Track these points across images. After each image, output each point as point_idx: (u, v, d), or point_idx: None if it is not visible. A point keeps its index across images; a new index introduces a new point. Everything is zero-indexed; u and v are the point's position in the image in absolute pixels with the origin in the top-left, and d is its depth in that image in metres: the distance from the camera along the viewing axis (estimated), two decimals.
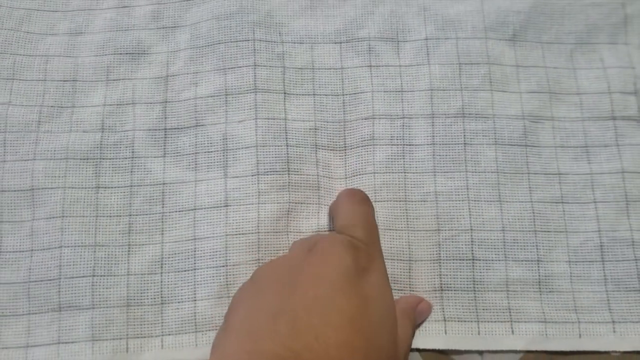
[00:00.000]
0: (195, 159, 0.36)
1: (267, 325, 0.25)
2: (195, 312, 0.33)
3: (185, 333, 0.33)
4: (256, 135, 0.36)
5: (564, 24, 0.38)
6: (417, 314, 0.32)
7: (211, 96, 0.37)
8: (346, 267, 0.26)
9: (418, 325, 0.33)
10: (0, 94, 0.36)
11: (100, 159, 0.35)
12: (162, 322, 0.33)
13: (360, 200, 0.32)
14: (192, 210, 0.35)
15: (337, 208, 0.32)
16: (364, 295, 0.26)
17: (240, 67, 0.37)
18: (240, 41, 0.37)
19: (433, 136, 0.36)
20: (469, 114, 0.36)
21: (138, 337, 0.33)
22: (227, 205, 0.35)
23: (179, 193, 0.35)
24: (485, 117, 0.36)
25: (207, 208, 0.35)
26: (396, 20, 0.38)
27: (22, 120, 0.36)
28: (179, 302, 0.33)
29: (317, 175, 0.35)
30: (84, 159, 0.35)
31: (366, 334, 0.25)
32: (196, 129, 0.36)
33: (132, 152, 0.36)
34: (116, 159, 0.36)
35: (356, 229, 0.29)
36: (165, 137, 0.36)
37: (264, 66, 0.37)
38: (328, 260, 0.27)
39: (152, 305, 0.33)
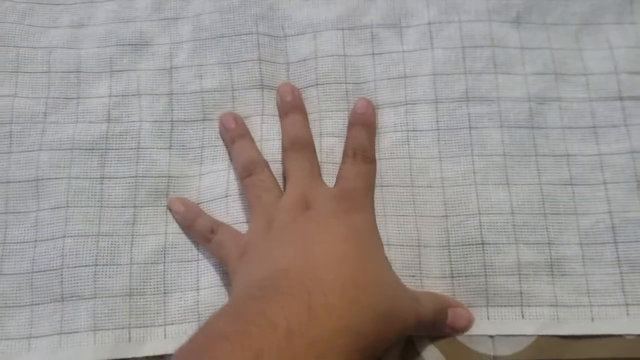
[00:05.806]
0: (201, 152, 0.36)
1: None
2: (198, 301, 0.33)
3: (189, 322, 0.32)
4: (261, 130, 0.36)
5: (569, 5, 0.38)
6: (452, 315, 0.31)
7: (217, 91, 0.37)
8: (331, 206, 0.31)
9: (455, 333, 0.32)
10: (5, 86, 0.37)
11: (105, 149, 0.35)
12: (164, 312, 0.32)
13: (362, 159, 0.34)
14: (195, 202, 0.35)
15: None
16: (352, 223, 0.30)
17: (245, 61, 0.37)
18: (243, 34, 0.37)
19: (437, 121, 0.35)
20: (473, 97, 0.35)
21: (140, 327, 0.32)
22: (227, 196, 0.34)
23: (184, 186, 0.35)
24: (490, 100, 0.35)
25: (210, 200, 0.35)
26: (399, 6, 0.38)
27: (28, 111, 0.36)
28: (181, 292, 0.33)
29: (321, 162, 0.35)
30: (90, 150, 0.35)
31: (358, 247, 0.29)
32: (204, 122, 0.36)
33: (138, 143, 0.36)
34: (122, 149, 0.35)
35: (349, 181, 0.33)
36: (172, 129, 0.36)
37: (269, 61, 0.37)
38: (318, 209, 0.31)
39: (154, 294, 0.33)
